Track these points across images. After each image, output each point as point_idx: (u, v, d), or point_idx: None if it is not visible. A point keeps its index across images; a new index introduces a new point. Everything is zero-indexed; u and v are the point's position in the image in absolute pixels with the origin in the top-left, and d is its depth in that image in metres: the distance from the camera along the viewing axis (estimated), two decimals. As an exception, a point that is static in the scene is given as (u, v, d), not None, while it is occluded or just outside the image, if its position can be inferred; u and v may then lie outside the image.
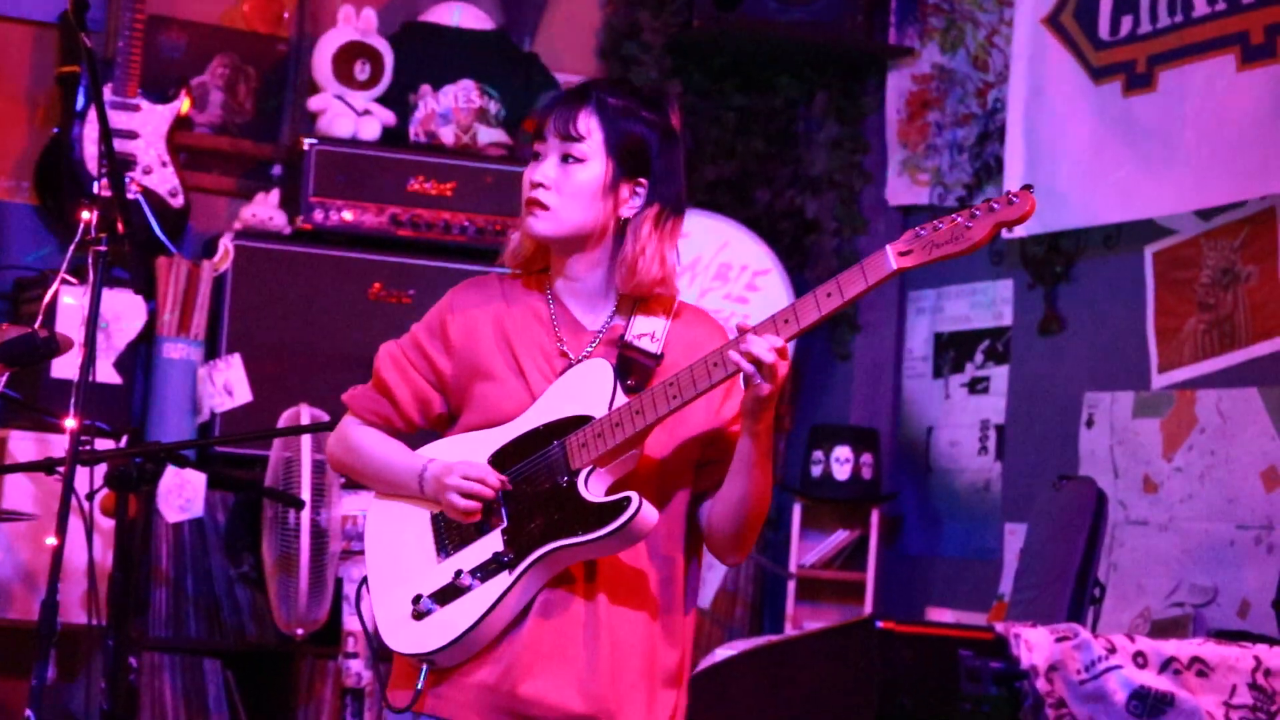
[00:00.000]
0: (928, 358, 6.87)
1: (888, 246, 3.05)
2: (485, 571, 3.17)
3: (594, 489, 3.14)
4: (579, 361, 3.25)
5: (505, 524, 3.18)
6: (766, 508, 3.24)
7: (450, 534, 3.23)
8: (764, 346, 3.05)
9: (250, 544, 5.83)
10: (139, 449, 4.73)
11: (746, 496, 3.19)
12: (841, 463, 6.60)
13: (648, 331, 3.26)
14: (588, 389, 3.20)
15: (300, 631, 5.70)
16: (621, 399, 3.17)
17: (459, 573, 3.18)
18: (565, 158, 3.23)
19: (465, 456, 3.23)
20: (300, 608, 5.65)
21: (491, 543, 3.18)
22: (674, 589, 3.26)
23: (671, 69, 6.99)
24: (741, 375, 3.08)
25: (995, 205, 3.02)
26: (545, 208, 3.23)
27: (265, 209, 6.35)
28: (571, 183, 3.23)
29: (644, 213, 3.26)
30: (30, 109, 6.36)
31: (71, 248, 4.59)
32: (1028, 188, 3.00)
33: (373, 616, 3.28)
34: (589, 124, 3.22)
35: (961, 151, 6.81)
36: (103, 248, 4.38)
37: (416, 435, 3.37)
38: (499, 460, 3.22)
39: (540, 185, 3.23)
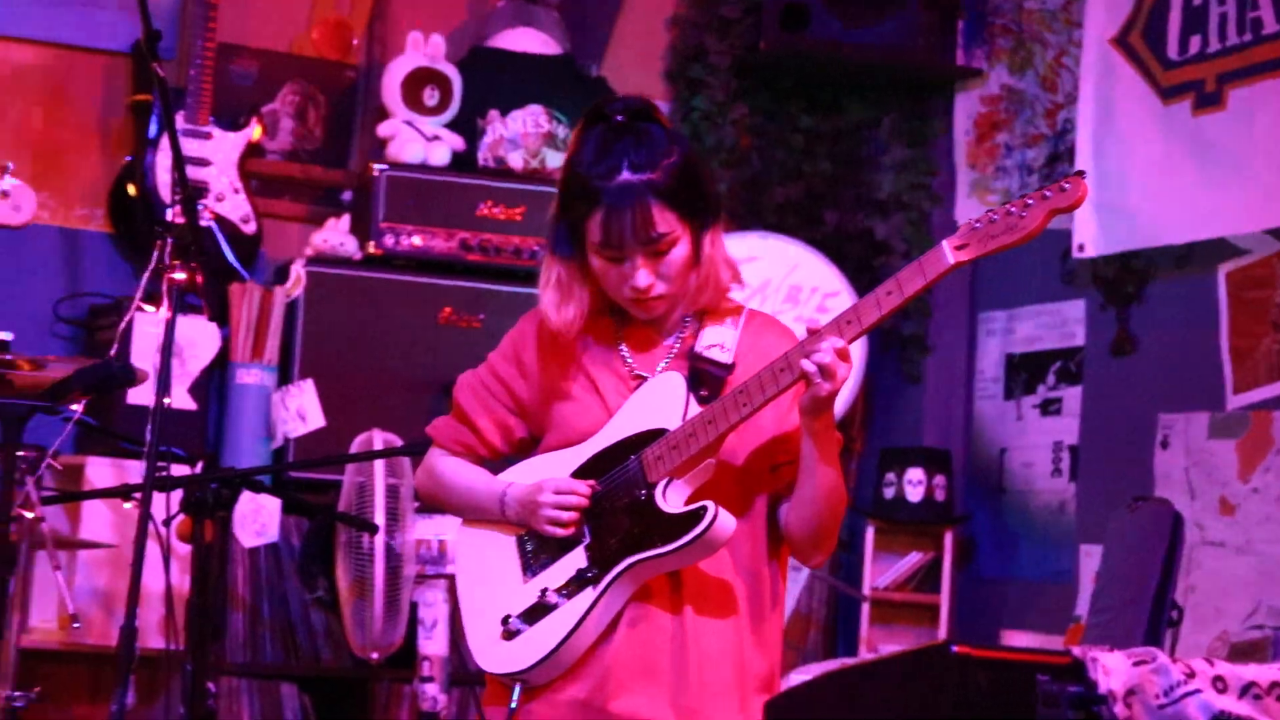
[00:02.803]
0: (999, 379, 6.84)
1: (943, 241, 3.05)
2: (570, 588, 3.20)
3: (672, 500, 3.17)
4: (652, 377, 3.26)
5: (588, 540, 3.21)
6: (840, 507, 3.24)
7: (535, 554, 3.27)
8: (825, 347, 3.05)
9: (325, 568, 5.85)
10: (215, 475, 4.76)
11: (816, 496, 3.19)
12: (914, 484, 6.57)
13: (718, 342, 3.28)
14: (661, 402, 3.22)
15: (375, 656, 5.72)
16: (695, 410, 3.19)
17: (545, 591, 3.21)
18: (655, 253, 3.22)
19: (543, 475, 3.25)
20: (375, 632, 5.67)
21: (575, 559, 3.21)
22: (760, 595, 3.28)
23: (738, 91, 6.99)
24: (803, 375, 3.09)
25: (1048, 193, 3.02)
26: (663, 298, 3.24)
27: (336, 235, 6.38)
28: (674, 265, 3.22)
29: (706, 232, 3.28)
30: (103, 138, 6.41)
31: (146, 275, 4.64)
32: (1079, 173, 2.99)
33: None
34: (662, 215, 3.19)
35: (1031, 172, 6.78)
36: (177, 275, 4.41)
37: (502, 462, 3.39)
38: (581, 476, 3.24)
39: (651, 287, 3.21)
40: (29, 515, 4.34)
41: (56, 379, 4.22)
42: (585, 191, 3.19)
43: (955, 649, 4.27)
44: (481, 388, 3.39)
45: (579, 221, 3.21)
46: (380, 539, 5.64)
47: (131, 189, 6.26)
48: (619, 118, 3.24)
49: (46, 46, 6.37)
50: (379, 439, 5.78)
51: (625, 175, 3.17)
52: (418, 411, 5.84)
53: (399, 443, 5.69)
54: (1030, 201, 3.02)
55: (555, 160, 6.56)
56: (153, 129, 6.23)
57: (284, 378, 6.19)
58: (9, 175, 2.64)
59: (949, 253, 3.04)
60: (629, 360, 3.31)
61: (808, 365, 3.06)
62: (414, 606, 5.75)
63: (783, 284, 6.78)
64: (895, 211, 7.12)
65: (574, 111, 6.66)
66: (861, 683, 4.56)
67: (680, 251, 3.22)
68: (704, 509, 3.12)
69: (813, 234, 7.01)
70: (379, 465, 5.67)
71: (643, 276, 3.20)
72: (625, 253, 3.19)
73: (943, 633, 6.43)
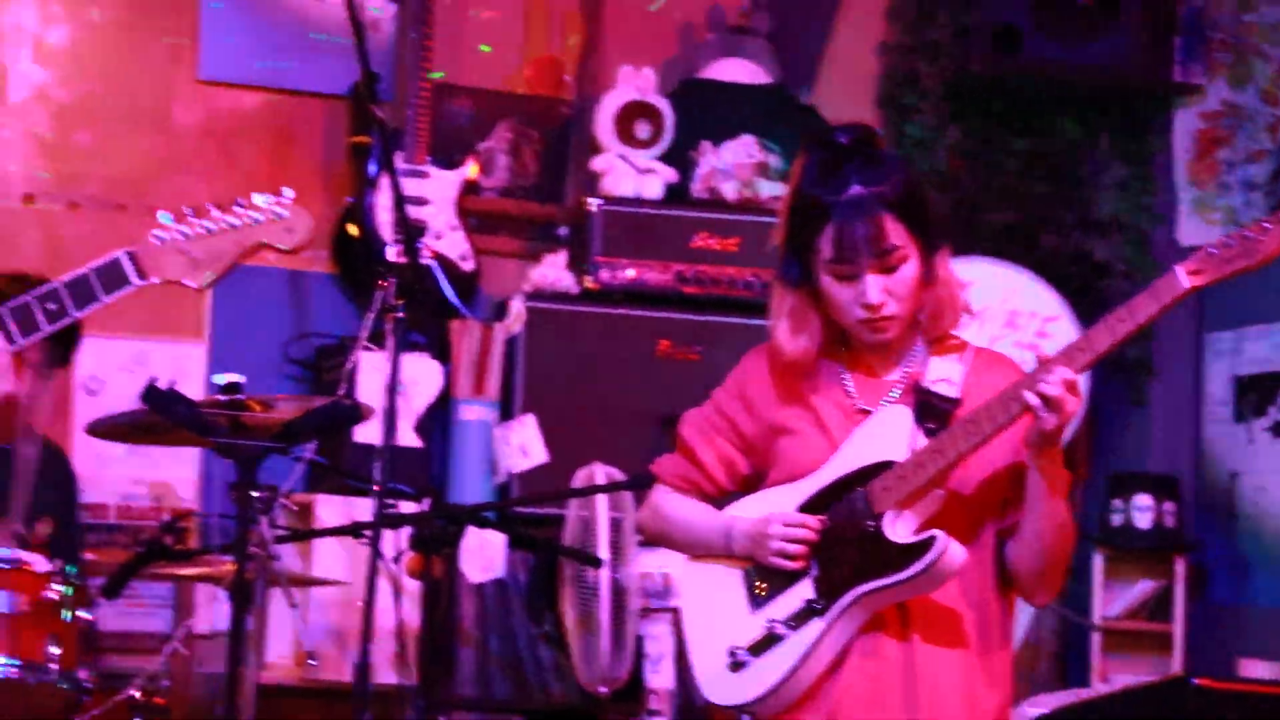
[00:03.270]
0: (1228, 402, 6.69)
1: (1176, 267, 3.00)
2: (798, 619, 3.18)
3: (900, 531, 3.14)
4: (877, 410, 3.24)
5: (815, 572, 3.19)
6: (1067, 546, 3.19)
7: (761, 587, 3.26)
8: (1054, 380, 3.01)
9: (551, 603, 5.88)
10: (441, 511, 4.80)
11: (1040, 532, 3.15)
12: (1142, 511, 6.45)
13: (944, 376, 3.25)
14: (887, 435, 3.20)
15: (604, 689, 5.73)
16: (921, 442, 3.16)
17: (772, 622, 3.20)
18: (887, 268, 3.20)
19: (771, 510, 3.24)
20: (602, 666, 5.68)
21: (802, 591, 3.20)
22: (990, 627, 3.23)
23: (950, 115, 6.93)
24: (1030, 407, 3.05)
25: None
26: (893, 318, 3.22)
27: (553, 270, 6.42)
28: (904, 284, 3.20)
29: (935, 253, 3.25)
30: (324, 180, 6.53)
31: (371, 315, 4.69)
32: None
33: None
34: (894, 228, 3.17)
35: (1255, 189, 6.64)
36: (400, 314, 4.46)
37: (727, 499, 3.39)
38: (807, 510, 3.23)
39: (883, 304, 3.20)
40: (264, 554, 4.41)
41: (287, 420, 4.28)
42: (815, 209, 3.19)
43: (1196, 682, 4.20)
44: (706, 424, 3.39)
45: (808, 242, 3.20)
46: (605, 573, 5.66)
47: (353, 230, 6.35)
48: (843, 139, 3.24)
49: (271, 92, 6.51)
50: (601, 473, 5.80)
51: (855, 189, 3.16)
52: (638, 445, 5.84)
53: (621, 476, 5.70)
54: (1268, 225, 2.96)
55: (768, 190, 6.55)
56: (372, 170, 6.33)
57: (506, 413, 6.24)
58: (285, 199, 2.70)
59: (1183, 278, 2.99)
60: (853, 394, 3.29)
61: (1031, 398, 3.02)
62: (640, 640, 5.75)
63: (1001, 309, 6.69)
64: (1114, 232, 7.00)
65: (786, 140, 6.65)
66: (1100, 717, 4.50)
67: (910, 270, 3.20)
68: (933, 538, 3.10)
69: (1030, 258, 6.91)
70: (602, 499, 5.69)
71: (874, 292, 3.17)
72: (858, 267, 3.17)
73: (1177, 663, 6.30)
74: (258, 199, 2.71)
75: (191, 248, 2.65)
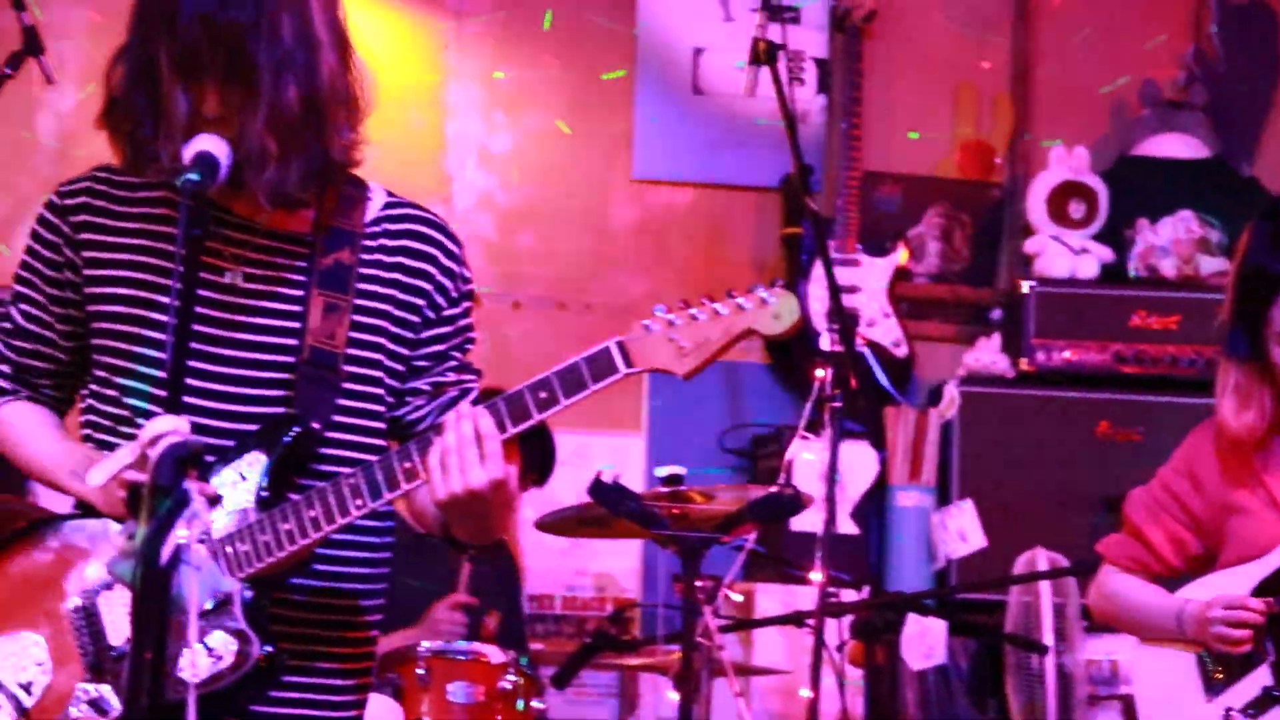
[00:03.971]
0: None
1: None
2: (1258, 707, 3.09)
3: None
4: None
5: (1272, 657, 3.09)
6: None
7: (1218, 672, 3.17)
8: None
9: (994, 690, 5.80)
10: (883, 599, 4.80)
11: None
12: None
13: None
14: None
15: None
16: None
17: (1229, 711, 3.11)
18: None
19: (1223, 591, 3.16)
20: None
21: (1260, 678, 3.10)
22: None
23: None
24: None
25: None
26: None
27: (987, 353, 6.37)
28: None
29: None
30: (756, 271, 6.61)
31: (809, 404, 4.73)
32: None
33: None
34: None
35: None
36: (837, 403, 4.49)
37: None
38: (1262, 593, 3.13)
39: None
40: (709, 643, 4.47)
41: (729, 510, 4.33)
42: (1265, 280, 3.11)
43: None
44: (1154, 503, 3.33)
45: (1258, 314, 3.12)
46: (1050, 660, 5.56)
47: (786, 319, 6.40)
48: None
49: (703, 187, 6.65)
50: (1043, 558, 5.71)
51: None
52: (1080, 528, 5.74)
53: (1063, 561, 5.60)
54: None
55: (1210, 266, 6.39)
56: (804, 259, 6.39)
57: (943, 498, 6.20)
58: (775, 287, 2.77)
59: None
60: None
61: None
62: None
63: None
64: None
65: (1227, 214, 6.47)
66: None
67: None
68: None
69: None
70: (1045, 585, 5.59)
71: None
72: None
73: None
74: (758, 289, 2.78)
75: (679, 335, 2.71)
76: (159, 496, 2.36)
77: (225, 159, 2.68)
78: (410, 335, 2.94)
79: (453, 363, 2.99)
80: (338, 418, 2.87)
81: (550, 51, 6.60)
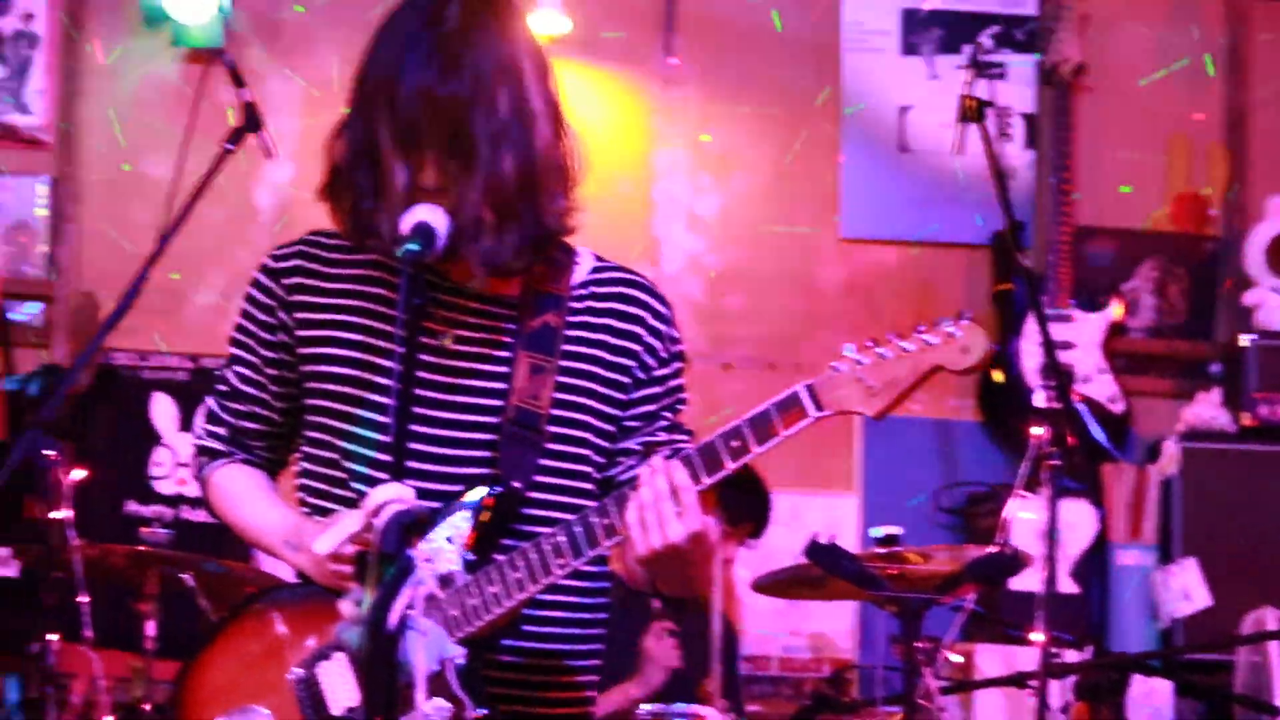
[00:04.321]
0: None
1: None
2: None
3: None
4: None
5: None
6: None
7: None
8: None
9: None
10: (1108, 660, 4.71)
11: None
12: None
13: None
14: None
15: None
16: None
17: None
18: None
19: None
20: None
21: None
22: None
23: None
24: None
25: None
26: None
27: (1207, 408, 6.25)
28: None
29: None
30: (968, 329, 6.54)
31: (1026, 462, 4.67)
32: None
33: None
34: None
35: None
36: (1055, 460, 4.42)
37: None
38: None
39: None
40: (929, 705, 4.41)
41: (947, 570, 4.29)
42: None
43: None
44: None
45: None
46: (1279, 722, 5.41)
47: (998, 376, 6.35)
48: None
49: (912, 246, 6.61)
50: (1272, 617, 5.57)
51: None
52: (1312, 587, 5.61)
53: (1292, 621, 5.46)
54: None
55: None
56: (1016, 316, 6.32)
57: (1165, 556, 6.09)
58: (962, 320, 2.72)
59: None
60: None
61: None
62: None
63: None
64: None
65: None
66: None
67: None
68: None
69: None
70: (1275, 644, 5.44)
71: None
72: None
73: None
74: (943, 322, 2.73)
75: (867, 375, 2.68)
76: (385, 563, 2.39)
77: (443, 228, 2.72)
78: (620, 396, 2.96)
79: (664, 423, 3.01)
80: (540, 478, 2.88)
81: (756, 114, 6.61)
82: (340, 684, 2.84)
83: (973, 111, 4.80)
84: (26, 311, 6.35)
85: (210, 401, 3.09)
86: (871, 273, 6.62)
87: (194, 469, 3.13)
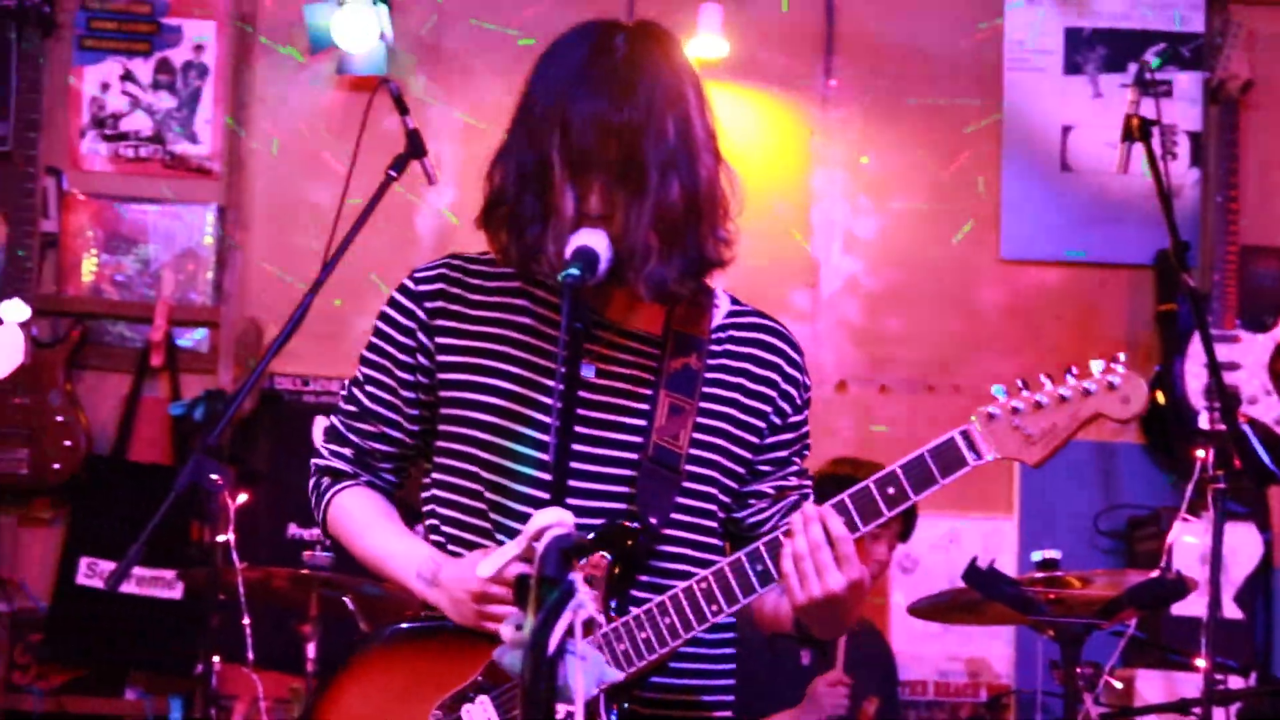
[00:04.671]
0: None
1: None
2: None
3: None
4: None
5: None
6: None
7: None
8: None
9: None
10: (1273, 686, 4.63)
11: None
12: None
13: None
14: None
15: None
16: None
17: None
18: None
19: None
20: None
21: None
22: None
23: None
24: None
25: None
26: None
27: (1377, 431, 6.14)
28: None
29: None
30: (1129, 349, 6.44)
31: (1190, 485, 4.60)
32: None
33: None
34: None
35: None
36: (1220, 483, 4.36)
37: None
38: None
39: None
40: (1090, 732, 4.37)
41: (1108, 595, 4.24)
42: None
43: None
44: None
45: None
46: None
47: (1161, 398, 6.27)
48: None
49: (1074, 266, 6.55)
50: None
51: None
52: None
53: None
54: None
55: None
56: (1180, 336, 6.24)
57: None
58: (1117, 367, 2.70)
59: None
60: None
61: None
62: None
63: None
64: None
65: None
66: None
67: None
68: None
69: None
70: None
71: None
72: None
73: None
74: (1093, 365, 2.70)
75: (1025, 423, 2.67)
76: (546, 588, 2.40)
77: (605, 254, 2.73)
78: (754, 440, 2.98)
79: (794, 467, 3.03)
80: (676, 515, 2.90)
81: (915, 134, 6.59)
82: None
83: (1138, 130, 4.75)
84: (193, 337, 6.48)
85: (334, 420, 3.08)
86: (1032, 294, 6.56)
87: (313, 488, 3.11)
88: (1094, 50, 6.59)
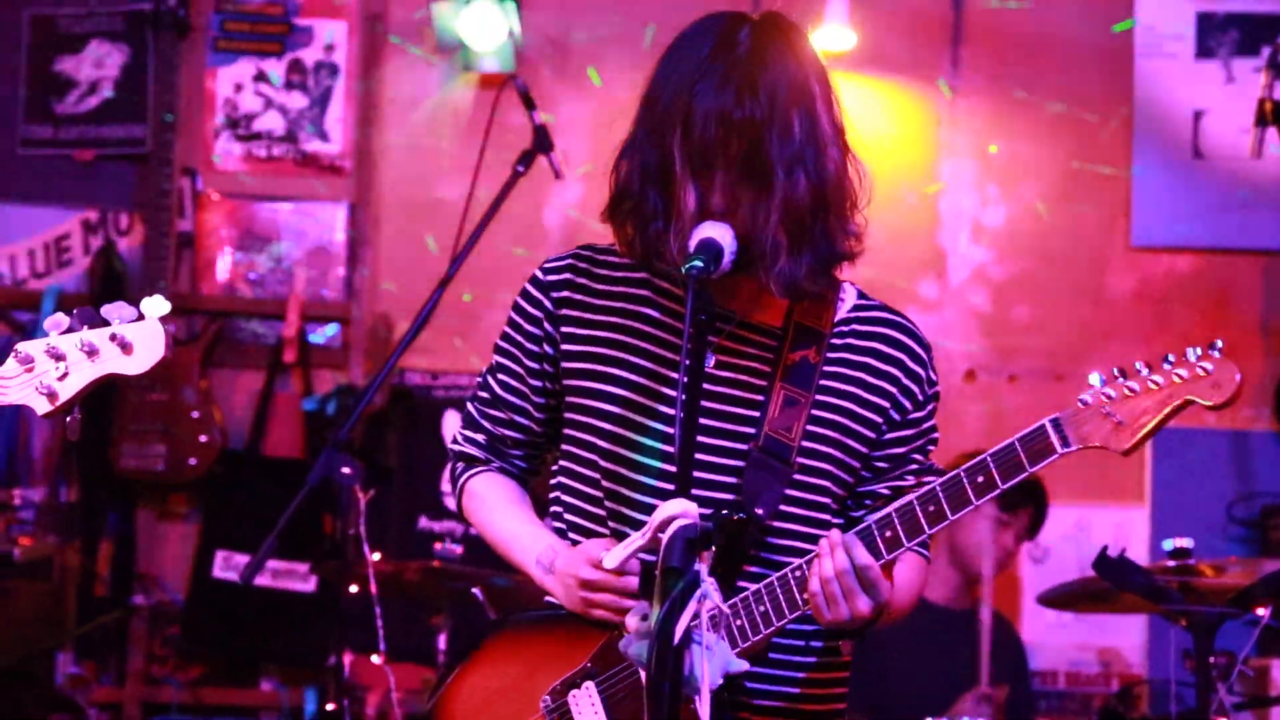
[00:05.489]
0: None
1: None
2: None
3: None
4: None
5: None
6: None
7: None
8: None
9: None
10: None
11: None
12: None
13: None
14: None
15: None
16: None
17: None
18: None
19: None
20: None
21: None
22: None
23: None
24: None
25: None
26: None
27: None
28: None
29: None
30: (1265, 337, 6.41)
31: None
32: None
33: None
34: None
35: None
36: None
37: None
38: None
39: None
40: (1224, 722, 4.33)
41: (1241, 584, 4.20)
42: None
43: None
44: None
45: None
46: None
47: (1295, 385, 6.21)
48: None
49: (1206, 253, 6.48)
50: None
51: None
52: None
53: None
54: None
55: None
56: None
57: None
58: (1212, 352, 2.68)
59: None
60: None
61: None
62: None
63: None
64: None
65: None
66: None
67: None
68: None
69: None
70: None
71: None
72: None
73: None
74: (1189, 352, 2.69)
75: (1115, 410, 2.65)
76: (672, 578, 2.43)
77: (730, 246, 2.75)
78: (871, 435, 2.99)
79: (913, 465, 3.03)
80: (784, 507, 2.92)
81: (1044, 122, 6.55)
82: (590, 712, 2.90)
83: (1271, 114, 4.70)
84: (325, 334, 6.56)
85: (470, 406, 3.16)
86: (1163, 281, 6.50)
87: (449, 472, 3.19)
88: (1226, 34, 6.52)
